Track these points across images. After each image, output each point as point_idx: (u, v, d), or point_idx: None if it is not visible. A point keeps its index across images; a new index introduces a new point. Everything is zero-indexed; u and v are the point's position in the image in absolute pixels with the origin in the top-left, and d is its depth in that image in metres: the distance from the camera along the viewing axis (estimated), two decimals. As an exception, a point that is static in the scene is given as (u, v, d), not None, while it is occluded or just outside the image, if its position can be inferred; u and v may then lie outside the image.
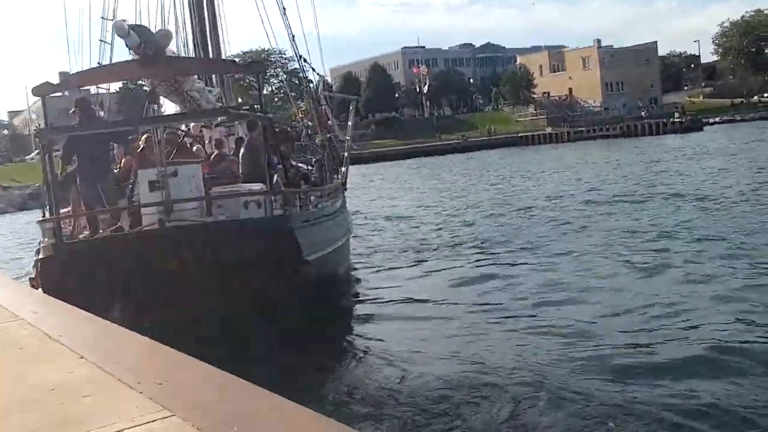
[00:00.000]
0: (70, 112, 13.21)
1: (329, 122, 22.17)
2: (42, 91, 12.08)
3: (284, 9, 20.35)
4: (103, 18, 18.58)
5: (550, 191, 34.90)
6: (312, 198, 14.79)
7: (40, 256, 11.60)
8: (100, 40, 18.65)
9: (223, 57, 19.36)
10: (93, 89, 17.94)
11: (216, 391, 3.91)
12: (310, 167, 19.42)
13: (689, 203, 24.42)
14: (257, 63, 15.34)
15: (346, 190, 21.54)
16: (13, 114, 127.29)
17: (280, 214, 11.88)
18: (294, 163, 16.84)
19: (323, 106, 22.45)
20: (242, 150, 14.15)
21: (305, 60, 22.20)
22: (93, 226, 11.98)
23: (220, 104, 18.10)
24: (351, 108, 24.86)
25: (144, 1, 23.72)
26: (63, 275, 10.47)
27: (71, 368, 4.52)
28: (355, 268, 19.27)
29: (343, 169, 22.31)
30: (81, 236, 12.24)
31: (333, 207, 16.42)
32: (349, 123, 24.51)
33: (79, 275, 10.29)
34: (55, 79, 13.26)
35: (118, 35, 12.19)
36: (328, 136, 21.07)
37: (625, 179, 37.10)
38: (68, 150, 12.69)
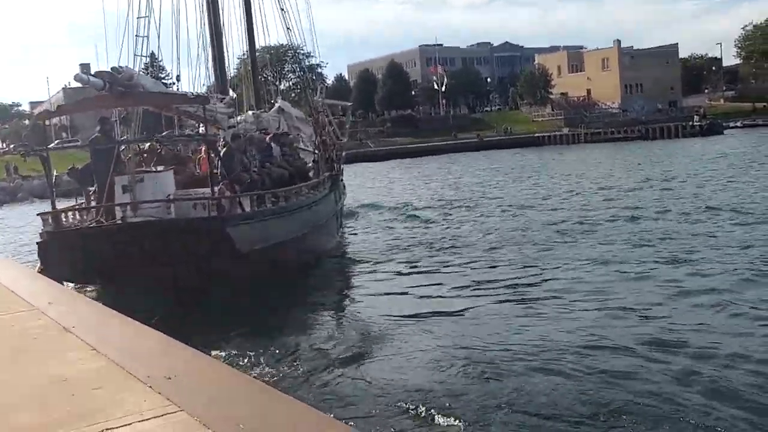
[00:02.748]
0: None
1: (326, 127, 25.47)
2: (42, 117, 18.17)
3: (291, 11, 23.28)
4: (139, 17, 21.35)
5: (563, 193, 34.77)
6: (269, 196, 17.31)
7: (39, 240, 15.70)
8: (136, 36, 21.31)
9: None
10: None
11: (224, 387, 3.97)
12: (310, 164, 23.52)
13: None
14: (202, 97, 18.40)
15: (341, 181, 26.17)
16: (34, 104, 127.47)
17: (215, 215, 15.16)
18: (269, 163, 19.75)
19: (320, 113, 25.51)
20: (221, 156, 17.34)
21: (318, 65, 25.11)
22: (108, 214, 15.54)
23: (231, 109, 21.36)
24: (348, 113, 30.13)
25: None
26: (54, 254, 14.92)
27: (83, 360, 4.60)
28: (345, 253, 21.82)
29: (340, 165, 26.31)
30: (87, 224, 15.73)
31: (305, 200, 19.31)
32: (346, 126, 29.20)
33: (65, 254, 14.74)
34: (77, 69, 18.37)
35: (81, 83, 15.71)
36: (322, 139, 24.79)
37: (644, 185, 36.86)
38: (94, 152, 17.07)
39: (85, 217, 16.16)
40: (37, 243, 15.65)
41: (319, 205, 20.70)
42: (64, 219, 16.11)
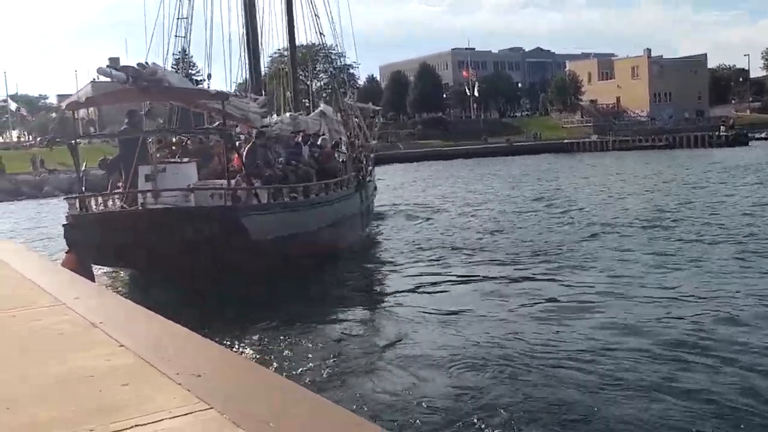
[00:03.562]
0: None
1: (354, 129, 26.21)
2: (72, 107, 18.71)
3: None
4: (179, 18, 24.07)
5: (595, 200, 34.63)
6: (287, 191, 18.27)
7: (66, 222, 16.79)
8: (178, 18, 24.08)
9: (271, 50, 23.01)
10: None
11: (254, 385, 3.91)
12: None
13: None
14: (222, 93, 18.61)
15: (369, 181, 27.29)
16: (62, 97, 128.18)
17: (230, 205, 16.06)
18: (296, 162, 20.70)
19: (350, 115, 26.45)
20: (245, 152, 18.60)
21: (350, 66, 26.43)
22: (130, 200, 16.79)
23: (264, 109, 22.40)
24: (378, 115, 31.43)
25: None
26: (78, 236, 15.81)
27: (110, 356, 4.54)
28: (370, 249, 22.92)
29: (369, 166, 27.39)
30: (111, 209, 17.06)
31: (325, 197, 20.12)
32: (375, 128, 30.44)
33: (88, 237, 15.53)
34: (105, 63, 18.69)
35: (104, 77, 17.05)
36: (351, 140, 25.76)
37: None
38: (121, 142, 18.46)
39: (109, 203, 17.33)
40: (63, 225, 16.76)
41: (340, 203, 21.43)
42: (89, 204, 17.05)
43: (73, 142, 18.20)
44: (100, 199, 17.39)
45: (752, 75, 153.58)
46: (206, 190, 16.65)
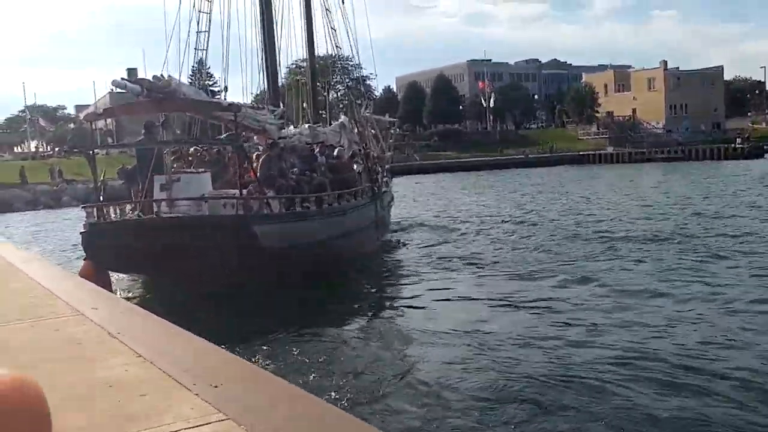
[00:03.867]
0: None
1: (368, 140, 26.72)
2: (90, 118, 19.60)
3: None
4: (199, 32, 24.51)
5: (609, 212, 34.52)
6: (298, 200, 18.77)
7: (83, 230, 17.39)
8: (197, 32, 24.51)
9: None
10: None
11: (271, 396, 3.92)
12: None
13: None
14: (235, 105, 18.94)
15: (385, 192, 27.55)
16: (80, 108, 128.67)
17: (241, 214, 16.60)
18: (310, 172, 21.21)
19: (365, 127, 27.01)
20: (260, 162, 19.43)
21: (366, 77, 27.16)
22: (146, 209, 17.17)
23: (282, 121, 23.01)
24: (393, 127, 32.11)
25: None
26: (94, 243, 16.58)
27: (129, 366, 4.57)
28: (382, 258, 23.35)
29: (384, 177, 27.85)
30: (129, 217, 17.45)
31: (338, 207, 20.59)
32: (390, 140, 30.89)
33: (104, 244, 16.24)
34: (123, 73, 20.04)
35: (118, 89, 17.62)
36: (366, 152, 26.01)
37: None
38: (138, 152, 19.23)
39: (125, 211, 17.83)
40: (81, 233, 17.49)
41: (354, 212, 21.90)
42: (107, 212, 17.60)
43: (90, 152, 19.32)
44: (116, 208, 17.89)
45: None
46: (219, 200, 17.24)
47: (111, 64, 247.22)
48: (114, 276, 17.82)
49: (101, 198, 18.51)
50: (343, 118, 29.60)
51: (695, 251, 21.01)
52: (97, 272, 15.70)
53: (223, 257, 15.59)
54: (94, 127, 20.59)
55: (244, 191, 17.50)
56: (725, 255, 20.13)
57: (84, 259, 16.94)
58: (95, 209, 17.61)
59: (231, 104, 19.07)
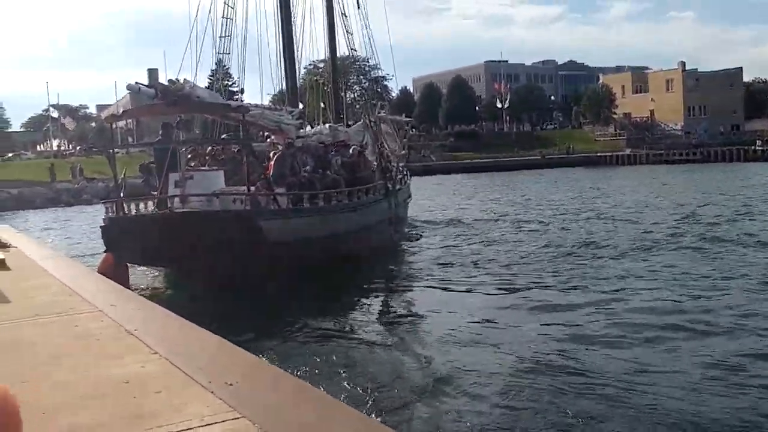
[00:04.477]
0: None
1: (382, 140, 27.06)
2: (110, 120, 20.03)
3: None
4: (221, 36, 25.87)
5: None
6: (308, 197, 19.56)
7: (103, 224, 18.57)
8: (220, 37, 25.67)
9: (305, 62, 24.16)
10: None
11: (286, 396, 3.94)
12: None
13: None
14: (243, 107, 20.08)
15: (400, 189, 28.25)
16: (101, 107, 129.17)
17: (248, 209, 17.54)
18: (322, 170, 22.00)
19: (380, 126, 27.32)
20: (273, 160, 20.37)
21: (383, 78, 27.75)
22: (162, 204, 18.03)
23: (300, 121, 23.78)
24: (407, 127, 32.70)
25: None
26: (113, 236, 17.54)
27: (144, 362, 4.61)
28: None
29: (398, 175, 28.69)
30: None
31: (348, 204, 21.33)
32: (405, 139, 31.13)
33: (122, 237, 17.19)
34: (144, 74, 22.82)
35: (132, 92, 18.18)
36: (380, 150, 26.56)
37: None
38: (155, 151, 20.22)
39: (142, 206, 18.78)
40: (101, 227, 18.63)
41: (365, 209, 22.64)
42: (125, 208, 18.54)
43: (110, 151, 20.49)
44: (134, 204, 18.83)
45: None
46: (230, 196, 18.13)
47: (132, 66, 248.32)
48: (134, 272, 18.82)
49: (121, 194, 19.34)
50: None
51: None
52: (115, 264, 16.95)
53: (232, 251, 16.23)
54: (114, 126, 21.45)
55: (252, 188, 18.31)
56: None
57: (104, 251, 17.82)
58: (114, 204, 18.64)
59: (240, 106, 19.97)
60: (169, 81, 18.59)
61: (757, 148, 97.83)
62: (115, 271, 15.74)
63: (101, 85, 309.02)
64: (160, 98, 17.93)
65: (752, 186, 49.98)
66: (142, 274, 19.91)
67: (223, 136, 25.02)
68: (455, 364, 10.95)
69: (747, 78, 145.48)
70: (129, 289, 14.48)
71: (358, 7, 32.19)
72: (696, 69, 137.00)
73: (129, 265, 18.30)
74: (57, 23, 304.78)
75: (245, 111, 19.18)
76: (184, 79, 19.82)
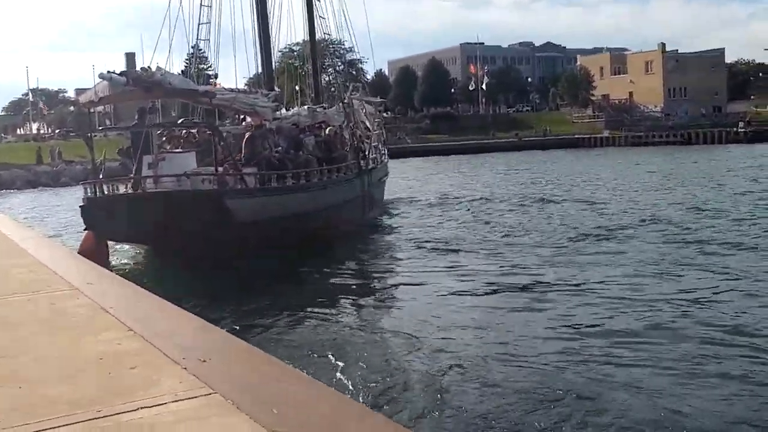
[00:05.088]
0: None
1: (354, 120, 27.47)
2: (88, 105, 20.50)
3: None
4: (201, 23, 26.54)
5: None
6: (276, 177, 20.09)
7: (82, 203, 19.20)
8: (200, 24, 26.41)
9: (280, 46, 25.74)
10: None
11: (258, 372, 4.02)
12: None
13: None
14: (210, 93, 20.43)
15: (373, 169, 28.55)
16: (80, 91, 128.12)
17: (215, 188, 18.32)
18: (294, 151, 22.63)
19: (351, 107, 27.63)
20: (243, 141, 21.15)
21: (359, 61, 28.59)
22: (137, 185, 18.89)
23: (276, 103, 23.37)
24: (380, 109, 33.53)
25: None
26: (92, 215, 18.40)
27: (120, 340, 4.68)
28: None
29: (371, 155, 29.10)
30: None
31: (316, 183, 21.81)
32: (378, 119, 31.37)
33: (99, 215, 18.14)
34: (121, 58, 23.41)
35: (104, 80, 18.50)
36: (352, 130, 27.05)
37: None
38: (132, 135, 21.16)
39: (118, 187, 19.61)
40: (80, 206, 19.40)
41: (336, 187, 23.20)
42: (102, 188, 19.35)
43: (88, 135, 20.86)
44: (111, 185, 19.65)
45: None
46: (198, 176, 18.87)
47: (112, 50, 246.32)
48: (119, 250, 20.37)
49: (100, 176, 20.16)
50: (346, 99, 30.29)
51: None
52: (96, 241, 17.84)
53: (200, 229, 16.98)
54: (92, 110, 21.95)
55: (220, 169, 19.02)
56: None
57: (84, 230, 18.63)
58: (93, 185, 19.39)
59: (206, 91, 20.55)
60: (141, 68, 19.18)
61: (739, 129, 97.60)
62: (96, 248, 16.85)
63: (82, 69, 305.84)
64: (131, 85, 18.31)
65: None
66: (125, 252, 20.65)
67: (192, 119, 25.97)
68: (417, 339, 10.98)
69: (734, 59, 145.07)
70: (109, 265, 14.92)
71: (335, -11, 32.27)
72: (677, 50, 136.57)
73: (110, 242, 19.10)
74: (38, 7, 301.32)
75: (212, 96, 19.90)
76: (157, 66, 20.63)
